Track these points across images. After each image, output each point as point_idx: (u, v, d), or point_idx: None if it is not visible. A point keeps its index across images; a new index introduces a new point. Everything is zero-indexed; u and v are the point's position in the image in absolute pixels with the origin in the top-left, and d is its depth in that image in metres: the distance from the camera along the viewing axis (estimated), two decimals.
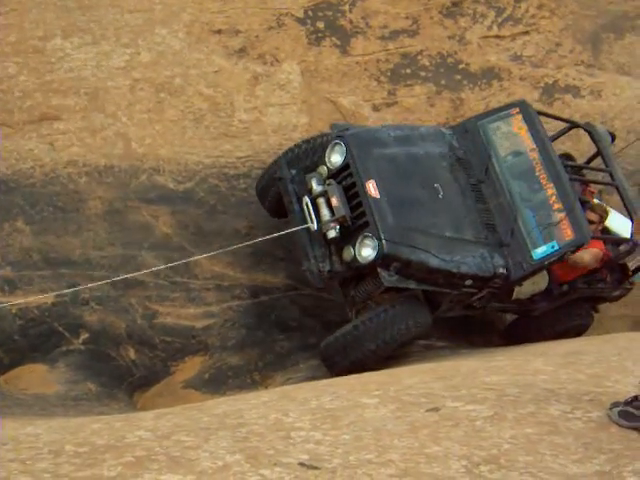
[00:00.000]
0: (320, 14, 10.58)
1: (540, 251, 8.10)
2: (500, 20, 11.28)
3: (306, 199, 8.13)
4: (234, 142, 9.22)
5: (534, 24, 11.43)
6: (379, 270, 7.69)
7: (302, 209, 8.18)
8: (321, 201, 8.04)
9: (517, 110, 8.70)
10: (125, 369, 8.17)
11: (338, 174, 8.14)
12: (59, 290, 8.06)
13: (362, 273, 7.89)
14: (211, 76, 9.67)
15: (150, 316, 8.32)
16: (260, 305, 8.67)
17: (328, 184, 8.07)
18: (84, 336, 8.12)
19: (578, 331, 9.37)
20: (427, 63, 10.72)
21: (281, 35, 10.25)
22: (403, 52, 10.68)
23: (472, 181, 8.42)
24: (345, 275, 8.11)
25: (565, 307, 9.04)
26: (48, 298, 8.10)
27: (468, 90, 10.65)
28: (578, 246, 8.12)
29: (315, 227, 7.97)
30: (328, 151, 8.23)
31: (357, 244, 7.77)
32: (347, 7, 10.75)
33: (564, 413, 4.81)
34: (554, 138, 9.54)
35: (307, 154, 8.66)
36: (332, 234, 7.88)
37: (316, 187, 8.11)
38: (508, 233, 8.18)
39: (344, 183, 8.08)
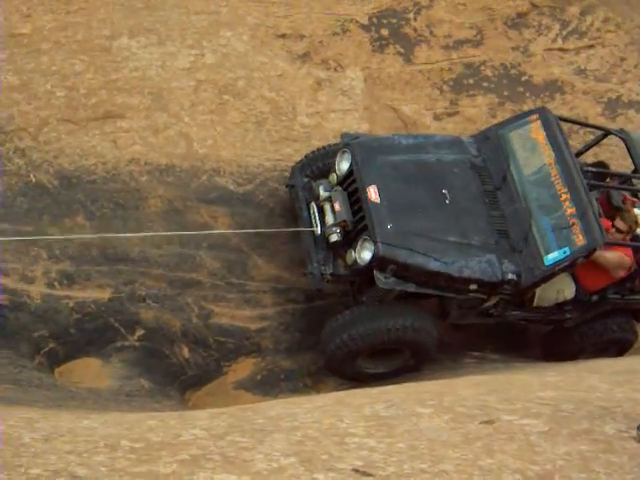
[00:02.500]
0: (385, 21, 10.59)
1: (552, 257, 8.02)
2: (565, 33, 11.21)
3: (313, 205, 8.39)
4: (295, 146, 9.25)
5: (599, 38, 11.34)
6: (375, 272, 7.77)
7: (309, 214, 8.40)
8: (327, 207, 8.28)
9: (536, 117, 8.66)
10: (178, 367, 8.20)
11: (344, 181, 8.32)
12: (117, 286, 8.15)
13: (371, 278, 7.90)
14: (274, 80, 9.72)
15: (205, 316, 8.35)
16: (315, 309, 8.68)
17: (334, 190, 8.29)
18: (139, 333, 8.16)
19: (621, 346, 9.23)
20: (490, 74, 10.67)
21: (345, 41, 10.28)
22: (466, 62, 10.65)
23: (488, 188, 8.44)
24: (349, 278, 8.28)
25: (601, 319, 8.91)
26: (105, 293, 8.18)
27: (530, 102, 10.58)
28: (590, 251, 7.98)
29: (319, 231, 8.19)
30: (337, 159, 8.43)
31: (357, 247, 7.88)
32: (412, 15, 10.75)
33: (619, 432, 4.77)
34: (589, 146, 9.55)
35: (318, 161, 8.85)
36: (334, 238, 8.07)
37: (323, 193, 8.36)
38: (521, 239, 8.13)
39: (349, 189, 8.24)
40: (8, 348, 7.80)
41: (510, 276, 7.97)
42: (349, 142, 8.44)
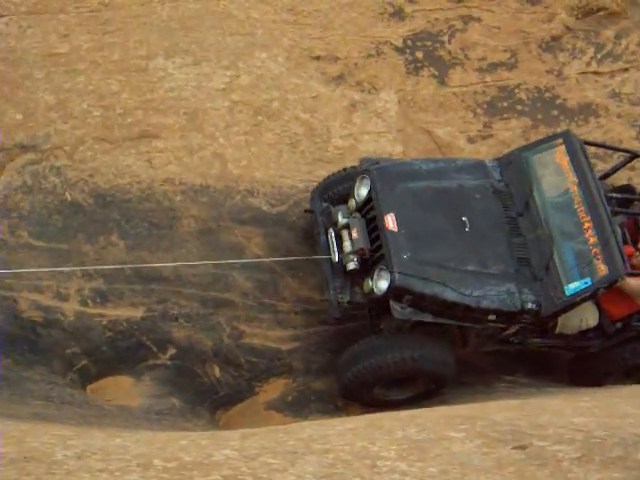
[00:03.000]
0: (419, 44, 10.62)
1: (573, 286, 7.86)
2: (599, 56, 11.18)
3: (331, 231, 8.32)
4: (328, 168, 9.23)
5: (634, 61, 11.29)
6: (391, 302, 7.68)
7: (327, 241, 8.33)
8: (344, 233, 8.18)
9: (560, 141, 8.51)
10: (209, 387, 8.21)
11: (363, 207, 8.24)
12: (150, 305, 8.19)
13: (389, 306, 7.82)
14: (309, 101, 9.75)
15: (237, 336, 8.36)
16: (346, 331, 8.65)
17: (353, 217, 8.21)
18: (171, 352, 8.18)
19: None
20: (524, 97, 10.66)
21: (380, 63, 10.31)
22: (501, 85, 10.64)
23: (510, 214, 8.31)
24: (367, 306, 8.18)
25: (627, 344, 8.75)
26: (138, 312, 8.22)
27: (564, 126, 10.53)
28: (611, 282, 7.83)
29: (336, 258, 8.12)
30: (356, 185, 8.32)
31: (374, 276, 7.80)
32: (446, 38, 10.77)
33: None
34: (616, 169, 9.36)
35: (337, 185, 8.80)
36: (351, 266, 8.01)
37: (341, 220, 8.28)
38: (543, 267, 8.00)
39: (368, 216, 8.16)
40: (41, 364, 7.86)
41: (530, 306, 7.85)
42: (368, 168, 8.35)
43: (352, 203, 8.36)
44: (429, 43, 10.68)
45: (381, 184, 8.14)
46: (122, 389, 8.05)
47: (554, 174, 8.42)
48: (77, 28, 9.89)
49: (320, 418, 7.71)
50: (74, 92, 9.36)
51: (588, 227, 8.01)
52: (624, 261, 7.88)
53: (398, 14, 10.80)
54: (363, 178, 8.28)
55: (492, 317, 7.84)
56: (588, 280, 7.82)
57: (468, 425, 5.17)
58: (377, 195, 8.09)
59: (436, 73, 10.49)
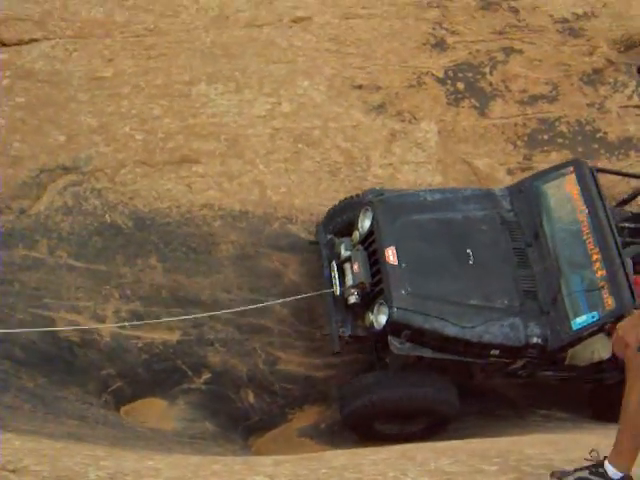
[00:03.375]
0: (460, 75, 10.64)
1: (580, 320, 7.61)
2: None
3: (333, 264, 8.22)
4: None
5: None
6: (389, 338, 7.54)
7: (330, 274, 8.24)
8: (347, 266, 8.07)
9: (571, 169, 8.29)
10: (243, 412, 8.21)
11: (366, 240, 8.15)
12: (186, 329, 8.22)
13: None
14: (349, 130, 9.78)
15: (272, 362, 8.35)
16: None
17: (355, 250, 8.12)
18: (206, 376, 8.19)
19: None
20: (565, 130, 10.62)
21: (421, 94, 10.33)
22: (541, 117, 10.62)
23: (518, 245, 8.13)
24: (371, 340, 8.04)
25: None
26: (174, 335, 8.25)
27: (605, 159, 10.48)
28: (618, 317, 7.41)
29: (338, 292, 8.02)
30: (360, 216, 8.25)
31: (375, 310, 7.69)
32: (488, 69, 10.78)
33: None
34: (634, 195, 9.15)
35: (341, 215, 8.71)
36: (352, 300, 7.89)
37: (344, 252, 8.17)
38: (550, 300, 7.79)
39: (370, 249, 8.06)
40: (76, 385, 7.89)
41: (535, 340, 7.63)
42: (371, 200, 8.26)
43: (356, 235, 8.28)
44: (470, 74, 10.69)
45: (383, 217, 8.05)
46: (156, 412, 8.06)
47: (564, 203, 8.24)
48: (122, 52, 10.03)
49: (353, 447, 7.68)
50: (117, 115, 9.47)
51: (597, 259, 7.80)
52: (633, 296, 7.63)
53: (440, 45, 10.84)
54: (366, 210, 8.21)
55: (495, 352, 7.67)
56: (595, 314, 7.60)
57: (501, 459, 5.14)
58: (378, 228, 8.00)
59: (477, 104, 10.49)
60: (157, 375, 8.14)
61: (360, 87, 10.18)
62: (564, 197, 8.24)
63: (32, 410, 7.22)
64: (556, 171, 8.47)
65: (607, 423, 8.31)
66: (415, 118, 10.10)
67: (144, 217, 8.83)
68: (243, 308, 8.23)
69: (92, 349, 8.08)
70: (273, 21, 10.56)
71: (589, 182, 8.20)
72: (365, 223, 8.19)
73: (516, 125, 10.47)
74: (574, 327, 7.64)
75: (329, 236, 8.59)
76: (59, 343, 8.02)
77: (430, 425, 7.99)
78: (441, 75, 10.56)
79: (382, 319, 7.59)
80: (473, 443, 6.16)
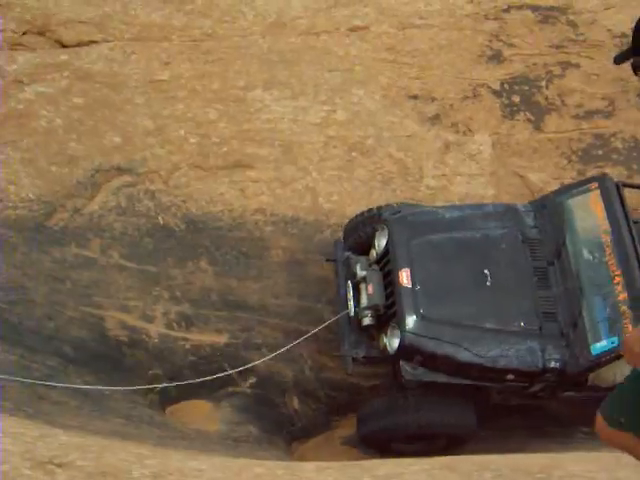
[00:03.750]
0: (516, 88, 10.59)
1: (600, 346, 7.26)
2: None
3: (349, 283, 8.04)
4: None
5: None
6: (401, 363, 7.41)
7: (346, 293, 8.07)
8: (362, 287, 7.91)
9: (595, 185, 7.99)
10: (287, 417, 8.21)
11: (382, 259, 7.99)
12: (234, 332, 8.25)
13: None
14: (403, 140, 9.77)
15: (318, 369, 8.35)
16: None
17: (371, 269, 7.95)
18: (251, 380, 8.21)
19: None
20: (620, 146, 10.52)
21: (476, 105, 10.29)
22: (596, 132, 10.53)
23: (539, 264, 7.86)
24: (384, 362, 7.90)
25: None
26: (221, 338, 8.29)
27: None
28: None
29: (352, 313, 7.87)
30: (377, 234, 8.09)
31: (388, 334, 7.55)
32: (544, 83, 10.72)
33: None
34: None
35: (357, 231, 8.51)
36: (366, 322, 7.76)
37: (359, 272, 7.97)
38: (570, 323, 7.52)
39: (385, 269, 7.90)
40: (123, 383, 7.95)
41: (553, 364, 7.36)
42: (387, 218, 8.11)
43: (373, 254, 8.12)
44: (526, 88, 10.65)
45: (398, 236, 7.89)
46: (201, 413, 8.09)
47: (587, 221, 7.92)
48: (179, 56, 10.12)
49: (396, 457, 7.66)
50: (172, 118, 9.55)
51: (618, 282, 7.47)
52: None
53: (497, 57, 10.80)
54: (382, 229, 8.05)
55: (510, 377, 7.46)
56: (615, 339, 7.24)
57: (544, 474, 5.11)
58: (393, 248, 7.83)
59: (532, 118, 10.44)
60: (203, 377, 8.16)
61: (415, 97, 10.18)
62: (587, 214, 7.96)
63: (78, 407, 7.29)
64: (580, 186, 8.22)
65: None
66: (469, 130, 10.07)
67: (196, 220, 8.89)
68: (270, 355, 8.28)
69: (140, 349, 8.14)
70: (330, 29, 10.60)
71: (613, 199, 7.91)
72: (381, 242, 8.04)
73: (571, 140, 10.39)
74: (593, 352, 7.34)
75: (346, 253, 8.40)
76: (108, 342, 8.09)
77: (447, 445, 7.83)
78: (497, 87, 10.52)
79: (395, 343, 7.45)
80: (516, 458, 6.12)
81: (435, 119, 10.08)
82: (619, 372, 7.49)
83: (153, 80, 9.84)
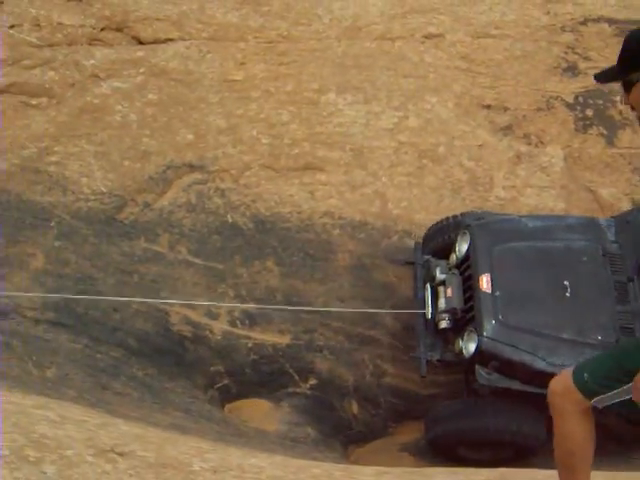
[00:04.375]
0: (590, 101, 10.50)
1: None
2: None
3: (427, 286, 8.06)
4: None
5: None
6: (476, 367, 7.34)
7: (424, 296, 8.07)
8: (441, 290, 7.89)
9: None
10: (345, 421, 8.21)
11: (462, 264, 7.96)
12: (297, 333, 8.27)
13: None
14: (474, 149, 9.74)
15: (379, 374, 8.33)
16: None
17: (451, 273, 7.95)
18: (312, 382, 8.22)
19: None
20: None
21: (549, 117, 10.22)
22: None
23: (619, 278, 7.73)
24: (459, 366, 7.86)
25: None
26: (284, 339, 8.31)
27: None
28: None
29: (429, 315, 7.87)
30: (458, 240, 8.05)
31: (465, 337, 7.50)
32: (619, 97, 10.61)
33: None
34: None
35: (438, 236, 8.51)
36: (443, 325, 7.74)
37: (439, 275, 7.98)
38: None
39: (465, 274, 7.86)
40: (184, 378, 8.03)
41: None
42: (470, 223, 8.07)
43: (453, 258, 8.11)
44: (600, 101, 10.54)
45: (481, 242, 7.84)
46: (260, 412, 8.13)
47: None
48: (254, 57, 10.21)
49: (453, 466, 7.64)
50: (245, 118, 9.63)
51: None
52: None
53: (571, 70, 10.72)
54: (464, 234, 8.02)
55: None
56: None
57: None
58: (475, 253, 7.80)
59: (605, 132, 10.33)
60: (264, 376, 8.20)
61: (488, 107, 10.14)
62: None
63: (140, 398, 7.39)
64: None
65: None
66: (541, 142, 10.00)
67: (265, 220, 8.95)
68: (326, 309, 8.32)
69: (203, 345, 8.20)
70: (405, 35, 10.61)
71: None
72: (462, 247, 8.02)
73: None
74: None
75: (426, 257, 8.42)
76: (171, 336, 8.17)
77: (515, 454, 7.73)
78: (571, 100, 10.44)
79: (471, 347, 7.41)
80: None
81: (507, 129, 10.03)
82: None
83: (227, 80, 9.94)
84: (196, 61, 10.13)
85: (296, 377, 8.23)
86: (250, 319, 8.37)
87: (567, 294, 7.61)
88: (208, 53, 10.17)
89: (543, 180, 9.69)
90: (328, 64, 10.19)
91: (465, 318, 7.69)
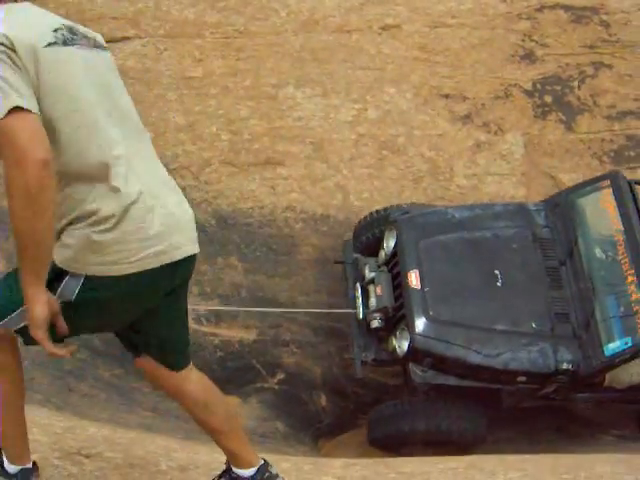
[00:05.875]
0: (548, 88, 10.56)
1: (613, 346, 7.14)
2: None
3: (357, 286, 7.93)
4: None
5: None
6: (410, 365, 7.28)
7: (354, 295, 7.94)
8: (371, 288, 7.77)
9: (607, 183, 7.81)
10: (314, 414, 8.21)
11: (390, 261, 7.85)
12: (262, 329, 8.25)
13: None
14: (434, 139, 9.77)
15: (346, 366, 8.32)
16: None
17: (380, 271, 7.83)
18: (279, 376, 8.22)
19: None
20: None
21: (507, 105, 10.27)
22: (629, 134, 10.47)
23: (551, 263, 7.70)
24: (394, 365, 7.79)
25: None
26: (250, 334, 8.30)
27: None
28: None
29: (361, 315, 7.73)
30: (385, 235, 7.96)
31: (397, 336, 7.41)
32: (576, 84, 10.68)
33: None
34: None
35: (366, 232, 8.40)
36: (375, 324, 7.61)
37: (368, 274, 7.85)
38: (583, 324, 7.36)
39: (394, 271, 7.75)
40: None
41: (565, 366, 7.18)
42: (396, 219, 7.96)
43: (382, 255, 8.00)
44: (558, 88, 10.61)
45: (407, 237, 7.75)
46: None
47: (599, 219, 7.78)
48: (211, 53, 10.15)
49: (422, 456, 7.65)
50: (204, 115, 9.59)
51: (631, 281, 7.30)
52: None
53: (529, 57, 10.77)
54: (391, 229, 7.92)
55: (522, 379, 7.30)
56: (629, 340, 7.10)
57: (571, 475, 5.09)
58: (402, 249, 7.70)
59: (564, 118, 10.40)
60: (231, 373, 8.17)
61: (447, 96, 10.16)
62: (600, 212, 7.80)
63: (108, 399, 7.34)
64: (592, 184, 8.04)
65: None
66: (501, 130, 10.05)
67: (226, 216, 8.92)
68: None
69: None
70: (363, 27, 10.59)
71: (626, 197, 7.72)
72: (390, 243, 7.90)
73: (603, 141, 10.35)
74: (606, 353, 7.19)
75: (355, 255, 8.28)
76: None
77: (458, 450, 7.47)
78: (529, 87, 10.49)
79: (404, 345, 7.31)
80: (544, 458, 6.10)
81: (466, 118, 10.07)
82: (635, 372, 7.49)
83: (185, 76, 9.89)
84: (153, 59, 10.05)
85: (263, 372, 8.23)
86: (216, 316, 8.34)
87: (498, 284, 7.55)
88: (165, 50, 10.10)
89: (503, 168, 9.74)
90: (286, 58, 10.16)
91: (396, 316, 7.56)
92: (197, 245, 3.54)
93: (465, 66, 10.50)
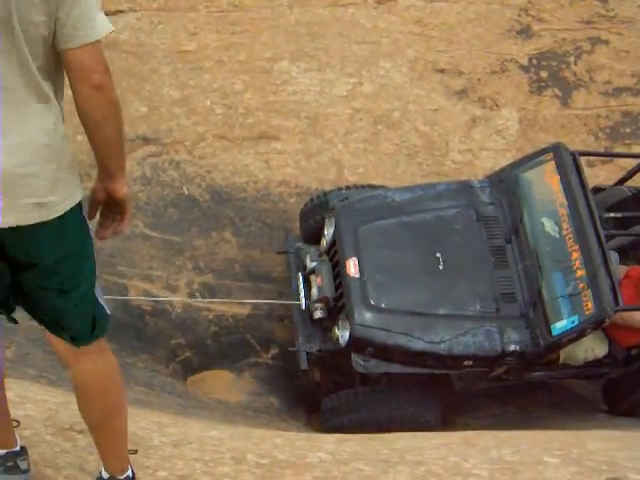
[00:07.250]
0: (544, 63, 10.53)
1: (560, 325, 6.93)
2: None
3: (299, 276, 7.76)
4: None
5: None
6: (352, 355, 7.09)
7: (297, 286, 7.76)
8: (313, 278, 7.62)
9: (550, 156, 7.51)
10: (308, 389, 8.21)
11: (330, 249, 7.67)
12: (256, 304, 8.24)
13: None
14: (430, 114, 9.75)
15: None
16: None
17: (321, 260, 7.66)
18: (273, 351, 8.20)
19: None
20: None
21: (503, 81, 10.25)
22: (625, 110, 10.46)
23: (496, 242, 7.47)
24: (340, 355, 7.46)
25: None
26: (244, 309, 8.29)
27: None
28: (598, 323, 6.85)
29: (304, 306, 7.57)
30: (326, 223, 7.74)
31: (339, 326, 7.26)
32: (572, 59, 10.65)
33: None
34: (632, 173, 8.13)
35: (309, 219, 8.24)
36: (317, 315, 7.45)
37: (309, 264, 7.71)
38: (529, 303, 7.17)
39: (334, 260, 7.55)
40: (145, 352, 7.97)
41: (512, 347, 7.03)
42: (334, 206, 7.74)
43: (323, 243, 7.80)
44: (554, 63, 10.57)
45: (345, 224, 7.52)
46: (222, 384, 8.10)
47: (544, 194, 7.51)
48: (206, 27, 10.10)
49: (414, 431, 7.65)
50: (199, 89, 9.55)
51: (576, 258, 7.08)
52: (617, 299, 6.88)
53: (525, 32, 10.73)
54: (330, 217, 7.71)
55: (469, 363, 7.12)
56: (575, 319, 6.92)
57: (564, 451, 5.09)
58: (340, 237, 7.49)
59: (559, 94, 10.38)
60: (225, 347, 8.16)
61: (442, 71, 10.14)
62: (544, 187, 7.53)
63: None
64: (535, 158, 7.74)
65: None
66: (496, 105, 10.03)
67: (221, 191, 8.90)
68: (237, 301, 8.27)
69: (163, 318, 8.15)
70: (358, 1, 10.54)
71: (569, 170, 7.44)
72: (329, 231, 7.68)
73: (598, 117, 10.33)
74: (554, 332, 7.00)
75: (297, 244, 8.14)
76: (131, 311, 8.11)
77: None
78: (525, 63, 10.46)
79: (345, 335, 7.15)
80: (536, 434, 6.10)
81: (462, 93, 10.04)
82: (590, 350, 7.39)
83: (180, 51, 9.84)
84: (147, 33, 9.99)
85: (257, 347, 8.22)
86: (209, 291, 8.33)
87: (440, 267, 7.35)
88: (159, 24, 10.05)
89: (499, 143, 9.73)
90: (281, 32, 10.11)
91: (337, 306, 7.41)
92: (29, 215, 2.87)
93: (461, 41, 10.47)
